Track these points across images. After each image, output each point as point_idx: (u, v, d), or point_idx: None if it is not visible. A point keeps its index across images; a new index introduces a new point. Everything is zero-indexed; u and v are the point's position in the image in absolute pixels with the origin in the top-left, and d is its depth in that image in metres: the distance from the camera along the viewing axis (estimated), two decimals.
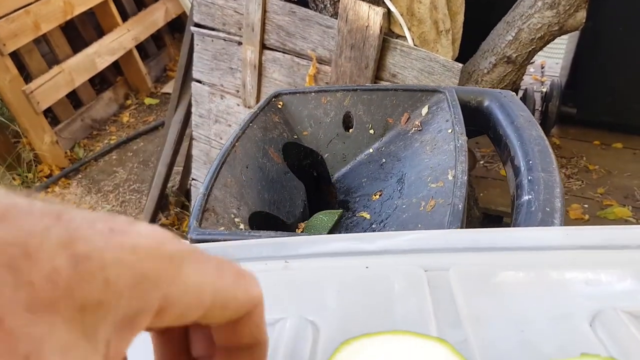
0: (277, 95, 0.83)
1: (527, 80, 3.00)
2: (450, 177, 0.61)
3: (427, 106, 0.77)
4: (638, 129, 2.48)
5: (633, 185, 2.31)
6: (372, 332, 0.32)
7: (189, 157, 2.29)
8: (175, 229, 2.45)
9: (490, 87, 1.75)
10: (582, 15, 1.64)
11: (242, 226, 0.65)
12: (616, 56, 2.26)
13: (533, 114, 2.42)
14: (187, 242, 0.25)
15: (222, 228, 0.62)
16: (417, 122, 0.76)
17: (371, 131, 0.81)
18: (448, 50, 1.68)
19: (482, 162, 2.37)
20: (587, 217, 2.18)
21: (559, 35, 1.70)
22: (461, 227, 0.55)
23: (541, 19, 1.62)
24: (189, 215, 2.47)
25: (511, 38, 1.67)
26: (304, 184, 0.80)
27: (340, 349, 0.31)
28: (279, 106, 0.83)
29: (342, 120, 0.82)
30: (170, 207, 2.50)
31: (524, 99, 2.40)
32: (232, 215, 0.65)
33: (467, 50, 1.78)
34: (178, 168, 2.41)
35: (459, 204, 0.56)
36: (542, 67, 3.15)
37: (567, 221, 2.10)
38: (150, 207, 2.37)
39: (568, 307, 0.39)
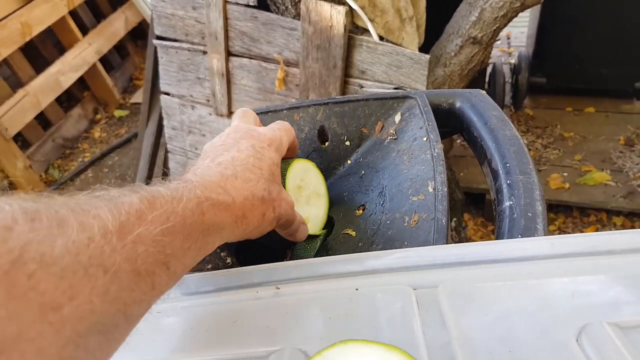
0: None
1: (494, 53, 3.02)
2: (430, 189, 0.61)
3: (399, 113, 0.77)
4: (608, 92, 2.52)
5: (609, 149, 2.34)
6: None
7: (166, 168, 2.27)
8: None
9: (459, 69, 1.76)
10: None
11: (228, 260, 0.65)
12: (579, 22, 2.28)
13: (503, 87, 2.45)
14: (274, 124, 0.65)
15: (210, 266, 0.62)
16: (391, 131, 0.76)
17: (347, 143, 0.81)
18: (413, 37, 1.68)
19: (459, 140, 2.38)
20: (567, 185, 2.21)
21: (521, 11, 1.71)
22: (446, 241, 0.56)
23: None
24: None
25: (475, 19, 1.68)
26: None
27: None
28: None
29: (317, 134, 0.82)
30: None
31: (493, 73, 2.41)
32: (218, 250, 0.65)
33: (431, 35, 1.78)
34: (155, 178, 2.38)
35: (442, 219, 0.57)
36: (508, 38, 3.18)
37: (548, 191, 2.13)
38: None
39: (555, 322, 0.40)
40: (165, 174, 2.32)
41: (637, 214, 2.16)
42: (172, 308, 0.48)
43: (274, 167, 0.54)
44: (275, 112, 0.83)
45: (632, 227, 2.16)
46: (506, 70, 2.62)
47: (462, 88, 1.80)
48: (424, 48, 1.69)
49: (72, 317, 0.27)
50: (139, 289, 0.33)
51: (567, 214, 2.20)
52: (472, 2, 1.68)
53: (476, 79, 1.93)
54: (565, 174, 2.27)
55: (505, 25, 1.71)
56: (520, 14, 1.72)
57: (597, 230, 2.17)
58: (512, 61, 2.80)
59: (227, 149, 0.53)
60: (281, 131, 0.61)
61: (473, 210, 2.30)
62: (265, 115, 0.83)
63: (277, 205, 0.52)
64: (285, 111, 0.82)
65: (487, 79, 2.51)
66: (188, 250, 0.39)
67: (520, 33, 3.15)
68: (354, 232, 0.68)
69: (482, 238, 2.17)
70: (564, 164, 2.31)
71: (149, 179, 2.27)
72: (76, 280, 0.28)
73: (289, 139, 0.62)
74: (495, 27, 1.68)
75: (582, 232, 2.15)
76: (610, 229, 2.15)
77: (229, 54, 1.61)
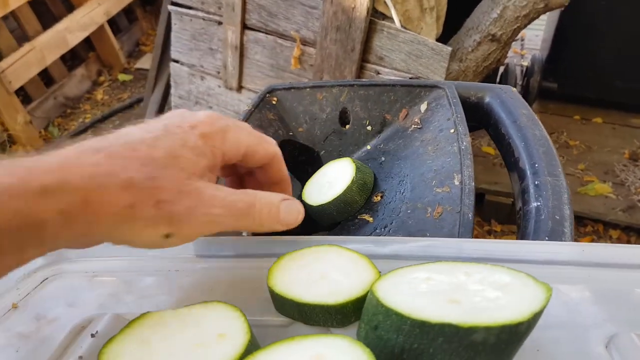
0: (270, 91, 0.80)
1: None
2: (456, 183, 0.60)
3: (426, 102, 0.75)
4: (618, 105, 2.50)
5: (613, 161, 2.34)
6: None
7: None
8: None
9: (474, 65, 1.74)
10: None
11: (244, 232, 0.63)
12: (599, 32, 2.26)
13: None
14: (231, 118, 0.44)
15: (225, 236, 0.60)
16: (416, 120, 0.74)
17: (368, 127, 0.79)
18: (432, 28, 1.65)
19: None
20: None
21: (544, 13, 1.69)
22: (471, 236, 0.54)
23: None
24: None
25: (496, 16, 1.65)
26: (300, 182, 0.78)
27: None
28: (273, 102, 0.80)
29: (338, 116, 0.80)
30: None
31: (505, 73, 2.39)
32: None
33: (449, 28, 1.76)
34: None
35: (469, 213, 0.55)
36: (522, 40, 3.15)
37: None
38: None
39: (583, 329, 0.39)
40: None
41: (634, 228, 2.16)
42: (192, 268, 0.47)
43: (180, 150, 0.37)
44: (298, 89, 0.81)
45: (628, 242, 2.16)
46: (518, 72, 2.60)
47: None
48: (440, 41, 1.67)
49: None
50: None
51: None
52: None
53: (488, 77, 1.91)
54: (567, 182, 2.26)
55: (525, 26, 1.69)
56: None
57: (592, 241, 2.17)
58: (525, 63, 2.78)
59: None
60: (236, 126, 0.43)
61: None
62: (287, 92, 0.81)
63: (167, 198, 0.35)
64: (308, 89, 0.80)
65: (498, 79, 2.49)
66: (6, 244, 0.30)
67: (534, 36, 3.13)
68: (371, 218, 0.67)
69: (477, 237, 2.16)
70: (566, 172, 2.30)
71: None
72: None
73: (250, 141, 0.43)
74: (515, 27, 1.66)
75: (577, 241, 2.15)
76: (606, 241, 2.15)
77: (244, 26, 1.58)
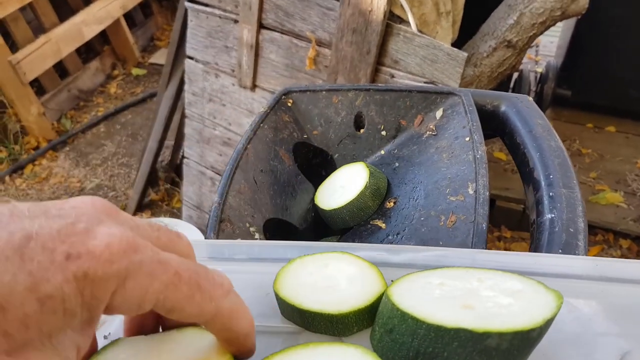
0: (286, 93, 0.81)
1: None
2: (471, 192, 0.60)
3: (441, 109, 0.76)
4: (631, 114, 2.49)
5: (625, 170, 2.32)
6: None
7: (180, 133, 2.26)
8: (165, 204, 2.43)
9: (489, 71, 1.73)
10: (585, 0, 1.62)
11: (257, 236, 0.64)
12: (615, 40, 2.24)
13: (528, 95, 2.42)
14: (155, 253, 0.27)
15: (240, 240, 0.61)
16: (431, 126, 0.74)
17: (383, 132, 0.79)
18: (448, 33, 1.65)
19: None
20: None
21: (560, 20, 1.68)
22: (485, 246, 0.54)
23: (544, 3, 1.60)
24: (178, 191, 2.45)
25: (512, 22, 1.65)
26: (313, 185, 0.78)
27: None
28: (289, 104, 0.81)
29: (353, 120, 0.80)
30: (160, 182, 2.47)
31: (519, 79, 2.38)
32: (247, 225, 0.64)
33: (464, 33, 1.75)
34: (168, 142, 2.37)
35: (483, 223, 0.55)
36: (537, 46, 3.14)
37: None
38: (140, 182, 2.34)
39: (595, 344, 0.39)
40: (179, 138, 2.30)
41: None
42: None
43: (20, 299, 0.23)
44: (314, 91, 0.81)
45: (638, 252, 2.15)
46: (532, 78, 2.59)
47: (489, 90, 1.77)
48: (455, 45, 1.67)
49: None
50: None
51: None
52: (512, 4, 1.65)
53: (502, 83, 1.90)
54: None
55: (541, 33, 1.69)
56: None
57: (602, 250, 2.16)
58: (539, 70, 2.76)
59: None
60: (151, 271, 0.26)
61: None
62: (303, 94, 0.82)
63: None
64: (324, 92, 0.81)
65: (511, 85, 2.48)
66: None
67: (549, 42, 3.12)
68: (384, 224, 0.67)
69: (487, 243, 2.15)
70: (578, 180, 2.29)
71: (161, 141, 2.26)
72: None
73: (171, 294, 0.27)
74: (531, 33, 1.65)
75: (587, 250, 2.14)
76: (616, 251, 2.15)
77: (260, 25, 1.59)
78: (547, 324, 0.32)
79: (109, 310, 0.26)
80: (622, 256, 2.13)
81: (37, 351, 0.24)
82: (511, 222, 2.21)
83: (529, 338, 0.31)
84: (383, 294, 0.37)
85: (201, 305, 0.29)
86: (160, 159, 2.40)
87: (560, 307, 0.33)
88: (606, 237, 2.18)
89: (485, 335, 0.30)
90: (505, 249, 2.17)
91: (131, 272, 0.26)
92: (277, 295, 0.39)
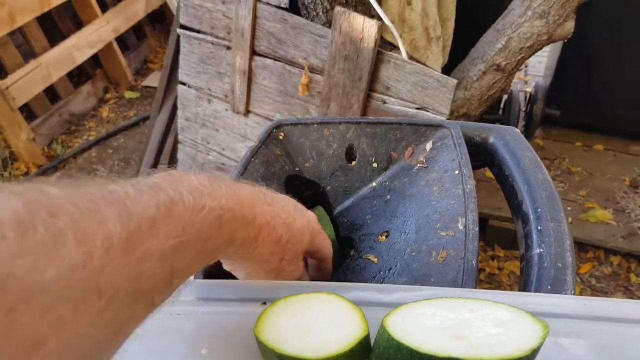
0: (278, 126, 0.82)
1: None
2: (460, 227, 0.61)
3: (431, 141, 0.77)
4: (619, 132, 2.52)
5: (614, 188, 2.35)
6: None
7: (173, 158, 2.26)
8: None
9: (479, 94, 1.75)
10: (570, 25, 1.65)
11: None
12: (601, 61, 2.28)
13: (518, 115, 2.45)
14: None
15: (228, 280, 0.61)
16: (421, 158, 0.75)
17: (374, 164, 0.80)
18: (438, 57, 1.68)
19: None
20: (569, 219, 2.21)
21: (547, 44, 1.71)
22: (475, 284, 0.55)
23: (531, 28, 1.63)
24: None
25: (501, 46, 1.68)
26: None
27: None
28: (280, 137, 0.82)
29: (344, 152, 0.81)
30: None
31: (509, 100, 2.41)
32: None
33: (453, 56, 1.78)
34: (161, 166, 2.37)
35: (472, 260, 0.56)
36: (526, 66, 3.18)
37: None
38: None
39: None
40: (172, 163, 2.31)
41: (634, 255, 2.17)
42: (192, 312, 0.47)
43: (303, 232, 0.53)
44: (305, 124, 0.82)
45: (629, 268, 2.16)
46: (521, 98, 2.62)
47: (481, 112, 1.80)
48: (445, 69, 1.69)
49: (58, 350, 0.24)
50: (137, 307, 0.30)
51: None
52: (500, 29, 1.68)
53: (492, 104, 1.93)
54: (569, 208, 2.27)
55: (530, 56, 1.72)
56: None
57: (593, 267, 2.17)
58: (528, 90, 2.80)
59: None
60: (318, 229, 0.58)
61: None
62: (295, 127, 0.83)
63: (287, 258, 0.51)
64: (315, 125, 0.82)
65: (502, 105, 2.51)
66: (194, 264, 0.36)
67: (537, 62, 3.16)
68: (376, 259, 0.68)
69: (480, 263, 2.16)
70: (568, 198, 2.32)
71: (154, 166, 2.26)
72: (67, 309, 0.24)
73: (316, 241, 0.57)
74: (520, 57, 1.68)
75: (578, 267, 2.16)
76: (606, 267, 2.16)
77: (253, 52, 1.61)
78: (534, 352, 0.34)
79: (314, 247, 0.56)
80: (613, 272, 2.15)
81: (298, 260, 0.53)
82: (504, 241, 2.22)
83: None
84: (363, 339, 0.38)
85: (323, 242, 0.58)
86: None
87: (545, 337, 0.35)
88: (597, 254, 2.20)
89: None
90: (499, 268, 2.18)
91: (318, 233, 0.56)
92: (256, 338, 0.40)
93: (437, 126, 0.77)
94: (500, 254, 2.22)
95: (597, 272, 2.15)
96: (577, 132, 2.59)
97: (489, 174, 2.43)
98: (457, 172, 0.69)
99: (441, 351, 0.33)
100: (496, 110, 2.48)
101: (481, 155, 0.77)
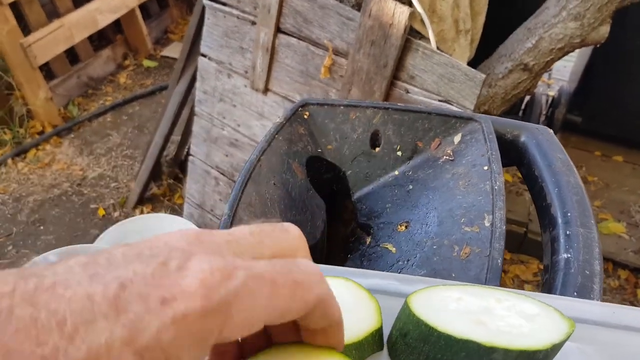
0: (304, 105, 0.80)
1: None
2: (487, 224, 0.59)
3: (460, 134, 0.74)
4: None
5: (630, 201, 2.31)
6: None
7: (187, 129, 2.25)
8: (167, 200, 2.42)
9: (503, 92, 1.72)
10: (605, 29, 1.61)
11: None
12: (630, 71, 2.23)
13: (539, 118, 2.41)
14: (239, 266, 0.25)
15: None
16: (448, 151, 0.73)
17: (399, 153, 0.78)
18: (465, 51, 1.64)
19: None
20: None
21: (579, 48, 1.67)
22: (499, 283, 0.53)
23: (564, 30, 1.59)
24: (181, 187, 2.44)
25: (531, 45, 1.64)
26: (324, 199, 0.77)
27: None
28: (305, 117, 0.80)
29: (369, 137, 0.79)
30: (163, 177, 2.46)
31: (531, 102, 2.38)
32: None
33: (481, 51, 1.75)
34: (174, 137, 2.36)
35: (498, 259, 0.54)
36: (550, 69, 3.12)
37: None
38: (143, 176, 2.33)
39: None
40: (186, 135, 2.29)
41: None
42: None
43: (120, 297, 0.22)
44: (331, 106, 0.80)
45: (636, 284, 2.14)
46: (543, 101, 2.58)
47: (502, 112, 1.76)
48: (471, 64, 1.66)
49: None
50: None
51: None
52: (531, 28, 1.64)
53: (514, 105, 1.90)
54: None
55: (559, 58, 1.68)
56: None
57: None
58: (551, 93, 2.76)
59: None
60: (250, 288, 0.25)
61: None
62: (320, 108, 0.80)
63: None
64: (342, 107, 0.80)
65: (523, 107, 2.47)
66: None
67: (563, 66, 3.10)
68: (394, 249, 0.66)
69: None
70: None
71: (168, 136, 2.25)
72: None
73: (275, 304, 0.26)
74: (549, 58, 1.65)
75: None
76: (614, 280, 2.14)
77: (278, 29, 1.58)
78: (554, 348, 0.33)
79: (222, 339, 0.25)
80: (620, 286, 2.13)
81: None
82: (512, 244, 2.20)
83: (533, 359, 0.32)
84: (375, 331, 0.37)
85: (304, 297, 0.28)
86: (165, 153, 2.39)
87: (570, 335, 0.34)
88: (605, 266, 2.17)
89: (492, 350, 0.32)
90: (504, 271, 2.16)
91: (232, 300, 0.24)
92: None
93: (468, 119, 0.75)
94: (507, 257, 2.20)
95: (603, 285, 2.12)
96: (597, 141, 2.55)
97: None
98: (486, 167, 0.66)
99: (458, 332, 0.33)
100: (517, 111, 2.44)
101: (510, 154, 0.75)
